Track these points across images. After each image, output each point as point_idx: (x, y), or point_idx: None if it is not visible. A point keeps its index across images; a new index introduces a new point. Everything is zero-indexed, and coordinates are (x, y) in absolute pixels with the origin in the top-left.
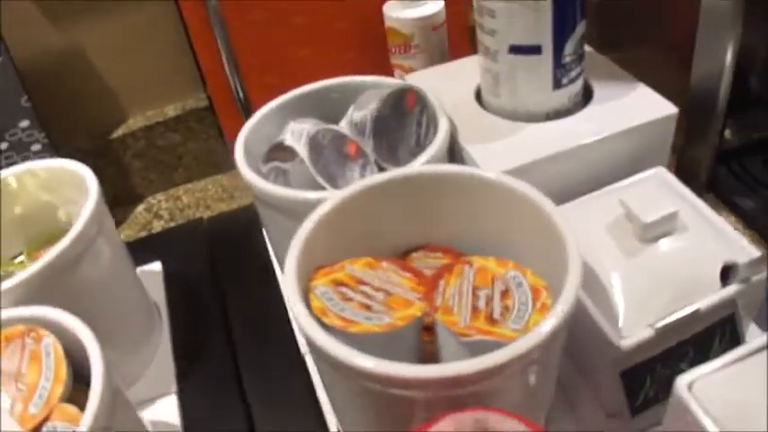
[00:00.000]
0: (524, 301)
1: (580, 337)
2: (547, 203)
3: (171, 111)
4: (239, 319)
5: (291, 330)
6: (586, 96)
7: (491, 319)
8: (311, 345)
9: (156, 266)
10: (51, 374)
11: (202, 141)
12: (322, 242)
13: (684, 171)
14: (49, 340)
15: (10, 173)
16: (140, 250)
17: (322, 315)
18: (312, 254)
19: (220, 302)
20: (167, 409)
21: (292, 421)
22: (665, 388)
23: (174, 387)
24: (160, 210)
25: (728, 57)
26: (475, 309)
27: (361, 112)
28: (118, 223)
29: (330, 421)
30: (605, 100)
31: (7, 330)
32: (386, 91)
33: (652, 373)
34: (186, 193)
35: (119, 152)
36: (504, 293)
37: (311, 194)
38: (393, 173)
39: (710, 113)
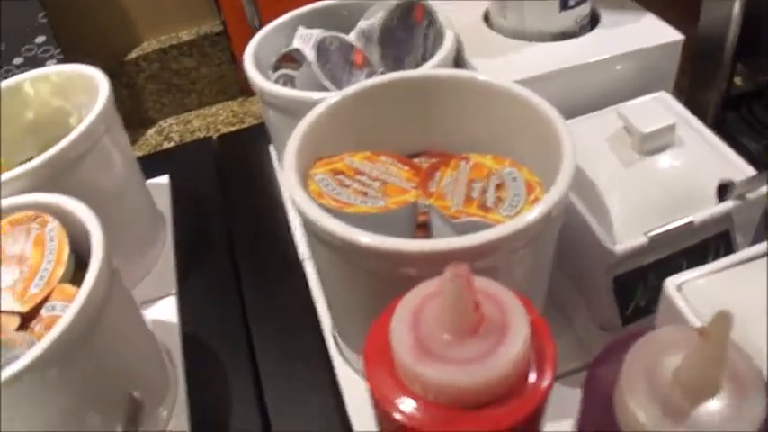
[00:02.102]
0: (518, 193)
1: (575, 246)
2: (546, 106)
3: (185, 35)
4: (242, 230)
5: (292, 239)
6: (593, 23)
7: (484, 207)
8: (306, 222)
9: (164, 179)
10: (53, 257)
11: (215, 67)
12: (323, 136)
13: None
14: (53, 225)
15: (24, 78)
16: (149, 165)
17: (318, 197)
18: (313, 146)
19: (224, 215)
20: (167, 309)
21: (288, 322)
22: (657, 299)
23: (174, 289)
24: (171, 133)
25: (737, 3)
26: (468, 197)
27: (368, 21)
28: None
29: (324, 323)
30: (612, 25)
31: (13, 216)
32: (394, 2)
33: (644, 281)
34: (197, 118)
35: (132, 74)
36: (499, 186)
37: (316, 94)
38: (397, 74)
39: (718, 59)
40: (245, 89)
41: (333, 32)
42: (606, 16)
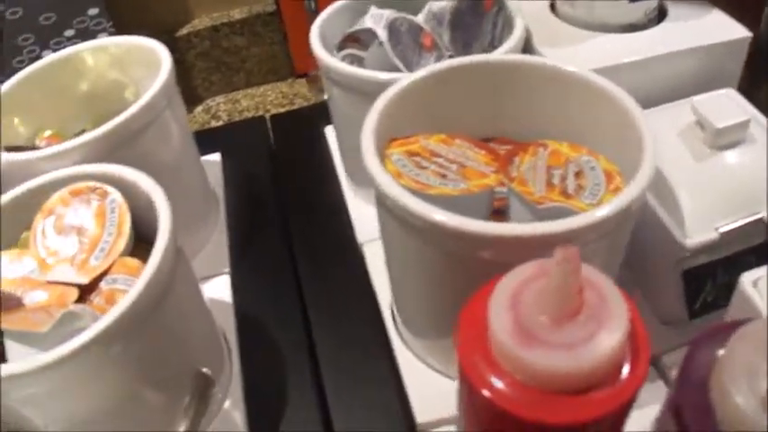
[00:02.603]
0: (598, 182)
1: (644, 240)
2: (624, 96)
3: (237, 13)
4: (297, 211)
5: (349, 221)
6: (660, 16)
7: (566, 194)
8: (388, 202)
9: (216, 157)
10: (115, 229)
11: (266, 46)
12: (397, 117)
13: None
14: (115, 197)
15: (81, 48)
16: (201, 142)
17: (397, 178)
18: (388, 126)
19: (278, 194)
20: (221, 287)
21: (346, 306)
22: (725, 294)
23: (227, 267)
24: (219, 111)
25: None
26: (549, 184)
27: (440, 4)
28: None
29: (384, 307)
30: (679, 20)
31: (74, 186)
32: None
33: (713, 277)
34: (245, 97)
35: (183, 51)
36: (578, 174)
37: (389, 74)
38: (475, 57)
39: None
40: (294, 70)
41: (402, 14)
42: (673, 10)
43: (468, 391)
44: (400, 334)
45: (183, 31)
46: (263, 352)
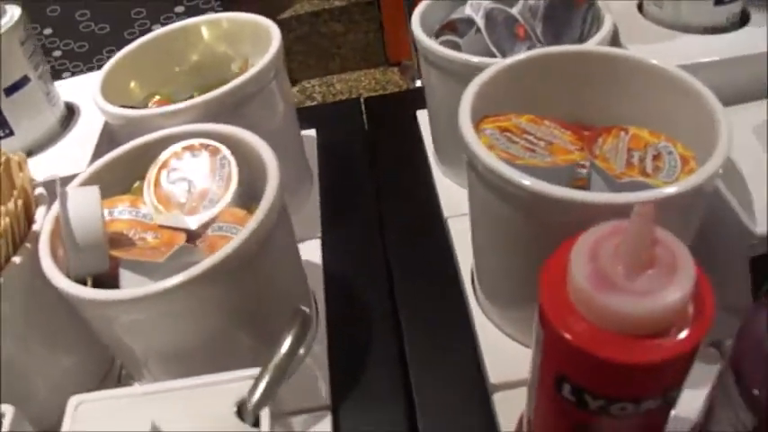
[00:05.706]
0: (674, 164)
1: (713, 227)
2: (703, 88)
3: (338, 1)
4: (387, 185)
5: (436, 197)
6: (743, 21)
7: (644, 172)
8: (477, 166)
9: (311, 132)
10: (223, 182)
11: (362, 34)
12: (491, 96)
13: None
14: (225, 153)
15: (195, 21)
16: (299, 118)
17: (489, 149)
18: (481, 104)
19: (370, 170)
20: (312, 250)
21: (428, 273)
22: None
23: (319, 233)
24: (314, 93)
25: None
26: (629, 163)
27: None
28: None
29: (464, 274)
30: (762, 24)
31: (187, 143)
32: None
33: None
34: (340, 82)
35: (283, 34)
36: (656, 157)
37: (481, 59)
38: (566, 46)
39: None
40: (387, 59)
41: (499, 5)
42: (757, 15)
43: (548, 334)
44: (479, 303)
45: (286, 14)
46: (349, 312)
